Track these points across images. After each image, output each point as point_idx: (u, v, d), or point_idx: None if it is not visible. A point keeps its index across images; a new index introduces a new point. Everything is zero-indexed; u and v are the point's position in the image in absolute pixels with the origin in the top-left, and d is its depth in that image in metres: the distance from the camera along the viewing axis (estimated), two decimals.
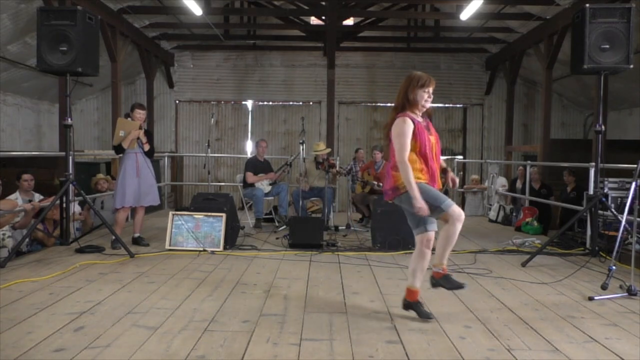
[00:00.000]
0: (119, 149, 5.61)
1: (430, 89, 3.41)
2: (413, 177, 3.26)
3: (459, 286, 3.40)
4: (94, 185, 7.90)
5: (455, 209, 3.27)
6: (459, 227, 3.29)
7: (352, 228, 7.25)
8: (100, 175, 8.36)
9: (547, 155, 10.88)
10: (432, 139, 3.40)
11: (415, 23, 14.48)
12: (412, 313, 3.48)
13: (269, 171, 7.76)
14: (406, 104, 3.41)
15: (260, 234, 6.87)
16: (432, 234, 3.38)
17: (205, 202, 5.93)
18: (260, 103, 15.25)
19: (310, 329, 3.18)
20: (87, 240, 6.00)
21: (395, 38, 14.90)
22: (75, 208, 6.57)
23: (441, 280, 3.44)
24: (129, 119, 5.73)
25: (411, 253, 5.59)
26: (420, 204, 3.21)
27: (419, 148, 3.34)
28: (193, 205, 5.99)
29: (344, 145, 14.83)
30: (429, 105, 3.43)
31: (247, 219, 7.52)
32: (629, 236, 4.80)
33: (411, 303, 3.47)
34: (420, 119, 3.41)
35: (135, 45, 12.36)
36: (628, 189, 4.31)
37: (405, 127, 3.31)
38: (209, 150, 7.44)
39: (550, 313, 3.59)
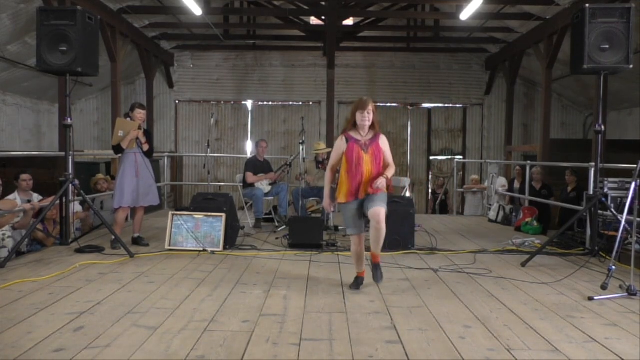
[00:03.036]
0: (118, 149, 5.61)
1: (365, 111, 3.96)
2: (329, 187, 4.19)
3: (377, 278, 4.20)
4: (93, 185, 7.89)
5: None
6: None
7: None
8: (100, 176, 8.35)
9: (546, 155, 10.88)
10: (366, 157, 3.96)
11: (415, 23, 14.47)
12: (412, 313, 3.52)
13: (268, 171, 7.76)
14: (350, 125, 4.07)
15: (260, 234, 6.87)
16: (353, 237, 4.17)
17: (205, 202, 5.93)
18: (260, 103, 15.26)
19: (310, 329, 3.18)
20: (86, 240, 6.00)
21: (395, 38, 14.91)
22: (76, 207, 6.58)
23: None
24: (128, 118, 5.73)
25: (411, 253, 5.64)
26: (325, 203, 4.24)
27: (347, 167, 3.99)
28: (193, 205, 5.99)
29: None
30: (367, 124, 3.98)
31: (247, 219, 7.52)
32: (629, 236, 4.80)
33: (357, 277, 4.23)
34: (361, 138, 4.02)
35: (135, 45, 12.36)
36: (628, 189, 4.30)
37: (337, 145, 4.08)
38: (208, 150, 7.44)
39: (550, 313, 3.59)
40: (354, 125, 4.04)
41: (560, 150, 11.35)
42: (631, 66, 5.13)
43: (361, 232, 4.14)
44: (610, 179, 6.56)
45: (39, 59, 5.35)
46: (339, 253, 5.59)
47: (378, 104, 15.03)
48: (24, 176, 6.21)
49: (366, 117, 3.96)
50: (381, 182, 3.92)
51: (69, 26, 5.30)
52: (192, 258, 5.24)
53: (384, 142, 4.09)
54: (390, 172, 4.08)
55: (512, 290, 4.18)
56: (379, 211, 3.89)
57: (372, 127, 4.04)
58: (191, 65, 15.19)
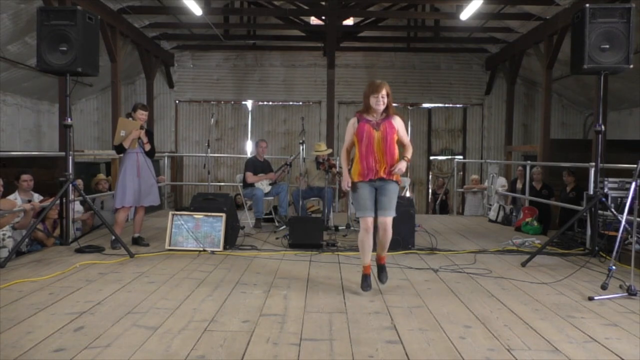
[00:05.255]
0: (119, 149, 5.61)
1: (379, 95, 3.96)
2: (346, 168, 4.11)
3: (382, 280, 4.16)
4: (94, 186, 7.89)
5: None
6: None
7: (352, 228, 7.24)
8: (101, 176, 8.35)
9: (547, 155, 10.88)
10: (377, 135, 3.95)
11: (415, 23, 14.47)
12: (412, 313, 3.52)
13: (268, 171, 7.75)
14: (364, 108, 4.08)
15: (260, 234, 6.87)
16: (362, 221, 3.99)
17: (205, 202, 5.93)
18: (260, 103, 15.26)
19: (310, 329, 3.18)
20: (87, 240, 6.00)
21: (395, 38, 14.90)
22: (77, 207, 6.57)
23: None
24: (130, 118, 5.73)
25: (411, 253, 5.64)
26: (342, 184, 4.09)
27: (358, 146, 3.98)
28: (193, 205, 5.99)
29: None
30: (381, 107, 3.98)
31: (247, 219, 7.52)
32: (629, 236, 4.80)
33: (364, 275, 4.06)
34: (373, 119, 4.02)
35: (135, 45, 12.36)
36: (628, 189, 4.30)
37: (349, 126, 4.11)
38: (208, 150, 7.44)
39: (550, 313, 3.59)
40: (368, 108, 4.03)
41: (561, 150, 11.35)
42: (631, 66, 5.13)
43: (371, 215, 3.98)
44: (610, 179, 6.55)
45: (39, 59, 5.35)
46: (339, 253, 5.60)
47: None
48: (25, 176, 6.21)
49: (380, 101, 3.95)
50: (400, 168, 3.96)
51: (69, 26, 5.30)
52: (192, 258, 5.24)
53: (398, 122, 4.07)
54: (409, 152, 4.13)
55: (512, 290, 4.18)
56: (386, 222, 3.96)
57: (386, 110, 4.03)
58: (191, 65, 15.19)
